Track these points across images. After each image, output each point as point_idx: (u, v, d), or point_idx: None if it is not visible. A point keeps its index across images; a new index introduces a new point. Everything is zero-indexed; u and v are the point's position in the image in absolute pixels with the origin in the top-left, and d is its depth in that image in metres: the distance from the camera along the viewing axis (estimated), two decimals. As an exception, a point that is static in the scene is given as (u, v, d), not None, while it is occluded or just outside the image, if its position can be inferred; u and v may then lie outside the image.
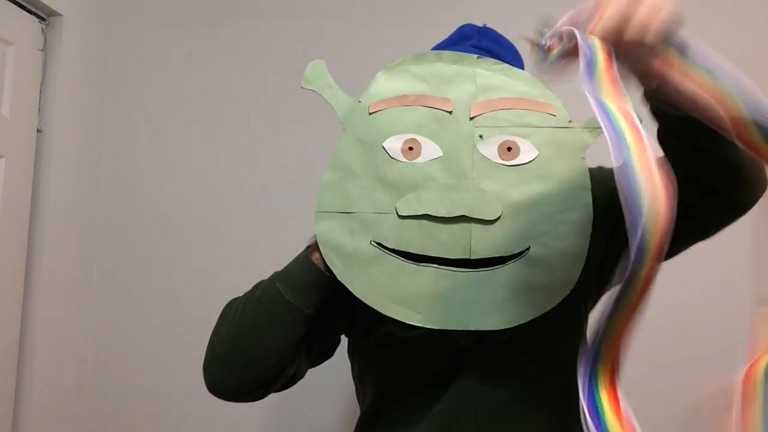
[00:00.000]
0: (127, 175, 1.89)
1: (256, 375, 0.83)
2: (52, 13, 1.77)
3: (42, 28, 1.77)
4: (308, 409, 1.66)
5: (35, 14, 1.75)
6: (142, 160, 1.88)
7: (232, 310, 0.85)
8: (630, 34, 0.62)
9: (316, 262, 0.82)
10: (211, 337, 0.86)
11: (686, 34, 0.63)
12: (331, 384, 1.59)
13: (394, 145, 0.81)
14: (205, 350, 0.85)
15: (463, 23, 0.97)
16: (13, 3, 1.69)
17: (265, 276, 0.87)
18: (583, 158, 0.80)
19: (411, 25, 1.71)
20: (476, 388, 0.84)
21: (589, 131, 0.79)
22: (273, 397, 0.89)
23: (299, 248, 0.86)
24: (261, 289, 0.85)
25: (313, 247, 0.83)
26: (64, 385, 1.77)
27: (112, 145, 1.91)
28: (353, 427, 0.95)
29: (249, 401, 0.87)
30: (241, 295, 0.87)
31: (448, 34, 0.96)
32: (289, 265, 0.85)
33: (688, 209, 0.73)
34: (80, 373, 1.81)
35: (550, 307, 0.77)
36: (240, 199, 1.78)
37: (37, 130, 1.75)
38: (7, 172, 1.65)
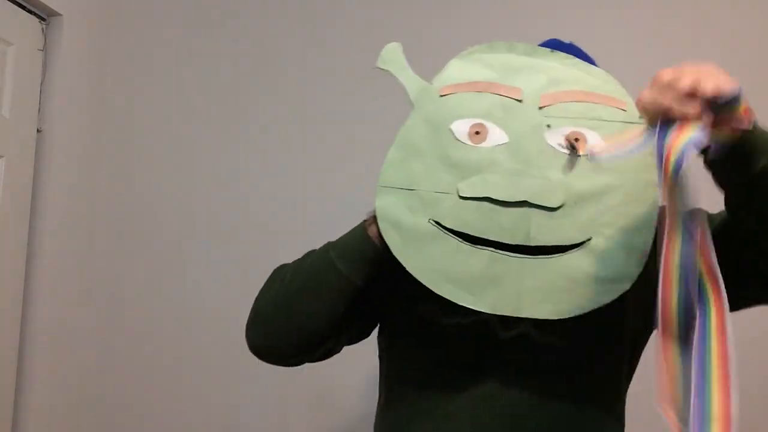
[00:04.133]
0: (127, 175, 1.88)
1: (298, 340, 0.84)
2: (52, 13, 1.77)
3: (42, 28, 1.77)
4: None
5: (35, 14, 1.75)
6: (142, 160, 1.88)
7: (282, 273, 0.87)
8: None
9: (372, 235, 0.82)
10: (257, 297, 0.87)
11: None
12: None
13: (461, 128, 0.81)
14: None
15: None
16: (13, 3, 1.68)
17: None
18: (651, 155, 0.77)
19: (413, 24, 1.71)
20: (499, 389, 0.82)
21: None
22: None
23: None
24: (314, 256, 0.86)
25: (371, 220, 0.83)
26: (65, 386, 1.76)
27: (112, 145, 1.90)
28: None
29: (285, 366, 0.89)
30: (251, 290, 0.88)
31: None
32: (344, 236, 0.86)
33: (756, 277, 0.76)
34: (80, 373, 1.81)
35: (607, 301, 0.75)
36: (240, 200, 1.78)
37: (37, 130, 1.74)
38: (7, 172, 1.64)
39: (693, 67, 0.66)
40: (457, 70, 0.84)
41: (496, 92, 0.82)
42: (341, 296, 0.82)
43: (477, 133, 0.80)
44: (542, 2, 1.64)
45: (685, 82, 0.64)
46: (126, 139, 1.90)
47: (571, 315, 0.76)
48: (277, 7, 1.83)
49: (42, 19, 1.77)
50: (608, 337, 0.85)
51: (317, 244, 0.88)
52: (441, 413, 0.84)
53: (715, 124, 0.65)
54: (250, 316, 0.86)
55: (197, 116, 1.85)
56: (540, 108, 0.80)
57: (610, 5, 1.61)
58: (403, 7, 1.73)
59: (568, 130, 0.79)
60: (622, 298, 0.76)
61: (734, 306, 0.79)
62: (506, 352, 0.83)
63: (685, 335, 0.67)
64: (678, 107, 0.65)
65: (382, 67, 0.86)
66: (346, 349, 0.93)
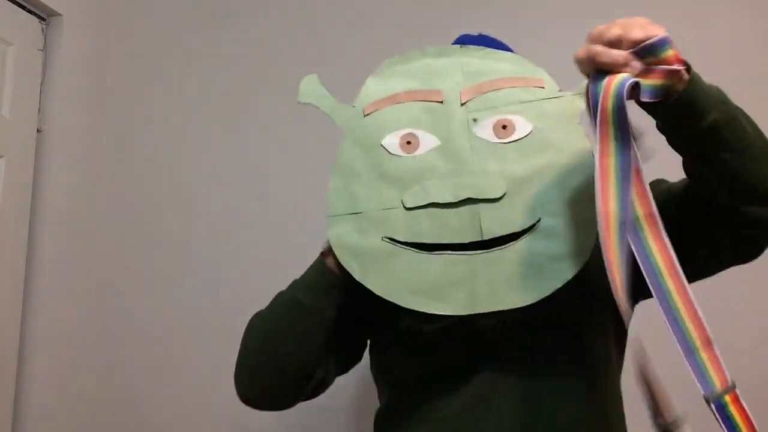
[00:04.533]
0: (127, 176, 1.88)
1: (283, 381, 0.84)
2: (52, 13, 1.77)
3: (42, 28, 1.77)
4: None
5: (35, 14, 1.75)
6: (142, 160, 1.88)
7: (257, 320, 0.87)
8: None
9: (330, 266, 0.83)
10: (239, 348, 0.87)
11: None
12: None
13: (392, 141, 0.82)
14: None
15: (461, 31, 0.98)
16: (13, 3, 1.69)
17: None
18: (579, 124, 0.80)
19: (412, 25, 1.71)
20: (491, 388, 0.82)
21: (579, 96, 0.79)
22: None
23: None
24: (281, 297, 0.86)
25: (327, 251, 0.84)
26: (65, 386, 1.76)
27: (112, 145, 1.90)
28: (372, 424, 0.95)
29: (280, 409, 0.90)
30: (242, 307, 0.90)
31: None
32: (305, 272, 0.87)
33: (726, 243, 0.77)
34: (81, 374, 1.81)
35: (572, 275, 0.76)
36: (240, 200, 1.78)
37: (37, 130, 1.74)
38: (7, 172, 1.64)
39: (623, 20, 0.68)
40: (375, 86, 0.86)
41: (417, 99, 0.83)
42: (316, 330, 0.83)
43: (408, 143, 0.82)
44: (542, 2, 1.64)
45: (613, 31, 0.67)
46: (126, 139, 1.90)
47: (541, 297, 0.76)
48: (277, 7, 1.83)
49: (42, 19, 1.77)
50: (587, 318, 0.85)
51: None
52: (437, 416, 0.84)
53: (648, 72, 0.67)
54: (235, 368, 0.87)
55: (197, 116, 1.85)
56: (462, 104, 0.82)
57: (610, 5, 1.61)
58: (403, 7, 1.74)
59: (494, 119, 0.80)
60: (587, 277, 0.76)
61: (711, 271, 0.82)
62: (494, 350, 0.83)
63: (632, 280, 0.67)
64: (607, 54, 0.66)
65: (302, 101, 0.88)
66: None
